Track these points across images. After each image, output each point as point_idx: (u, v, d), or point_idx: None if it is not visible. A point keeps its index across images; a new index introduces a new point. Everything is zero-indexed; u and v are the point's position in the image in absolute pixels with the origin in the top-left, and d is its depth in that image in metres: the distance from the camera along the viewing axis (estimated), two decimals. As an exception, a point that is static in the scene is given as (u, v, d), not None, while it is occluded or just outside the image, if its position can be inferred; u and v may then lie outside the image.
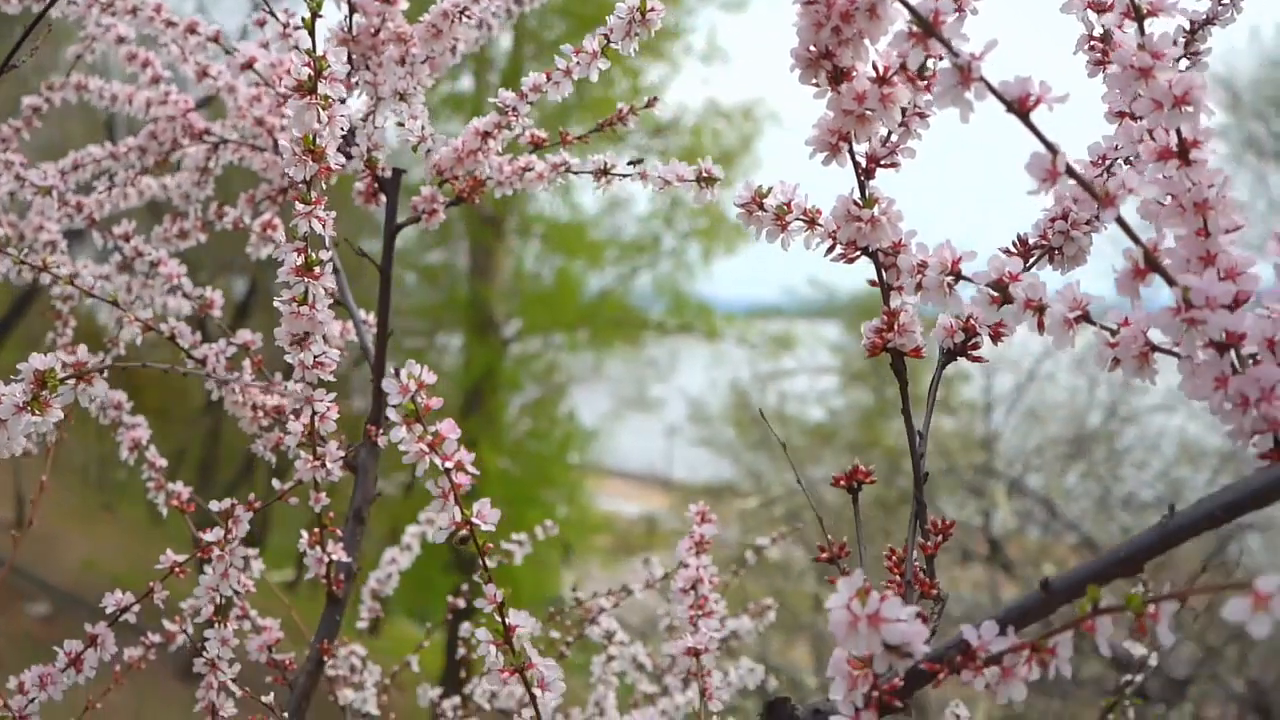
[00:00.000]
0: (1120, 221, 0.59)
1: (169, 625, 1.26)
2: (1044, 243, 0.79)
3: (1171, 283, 0.59)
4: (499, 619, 0.74)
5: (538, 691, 0.74)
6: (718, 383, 10.35)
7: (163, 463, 1.20)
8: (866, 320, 0.80)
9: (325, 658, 1.11)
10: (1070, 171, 0.58)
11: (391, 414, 0.71)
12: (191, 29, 1.17)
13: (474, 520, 0.72)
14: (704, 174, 0.96)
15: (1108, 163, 0.81)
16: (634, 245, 12.18)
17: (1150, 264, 0.59)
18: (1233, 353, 0.60)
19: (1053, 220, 0.79)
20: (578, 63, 1.01)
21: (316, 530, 1.08)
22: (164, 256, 1.25)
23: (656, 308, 12.14)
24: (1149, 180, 0.61)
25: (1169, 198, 0.63)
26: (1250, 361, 0.60)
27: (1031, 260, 0.80)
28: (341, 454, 1.03)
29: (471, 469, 0.72)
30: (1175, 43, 0.83)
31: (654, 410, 12.70)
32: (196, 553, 1.07)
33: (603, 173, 1.06)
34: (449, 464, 0.71)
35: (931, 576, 0.71)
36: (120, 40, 1.29)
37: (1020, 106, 0.58)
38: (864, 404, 11.00)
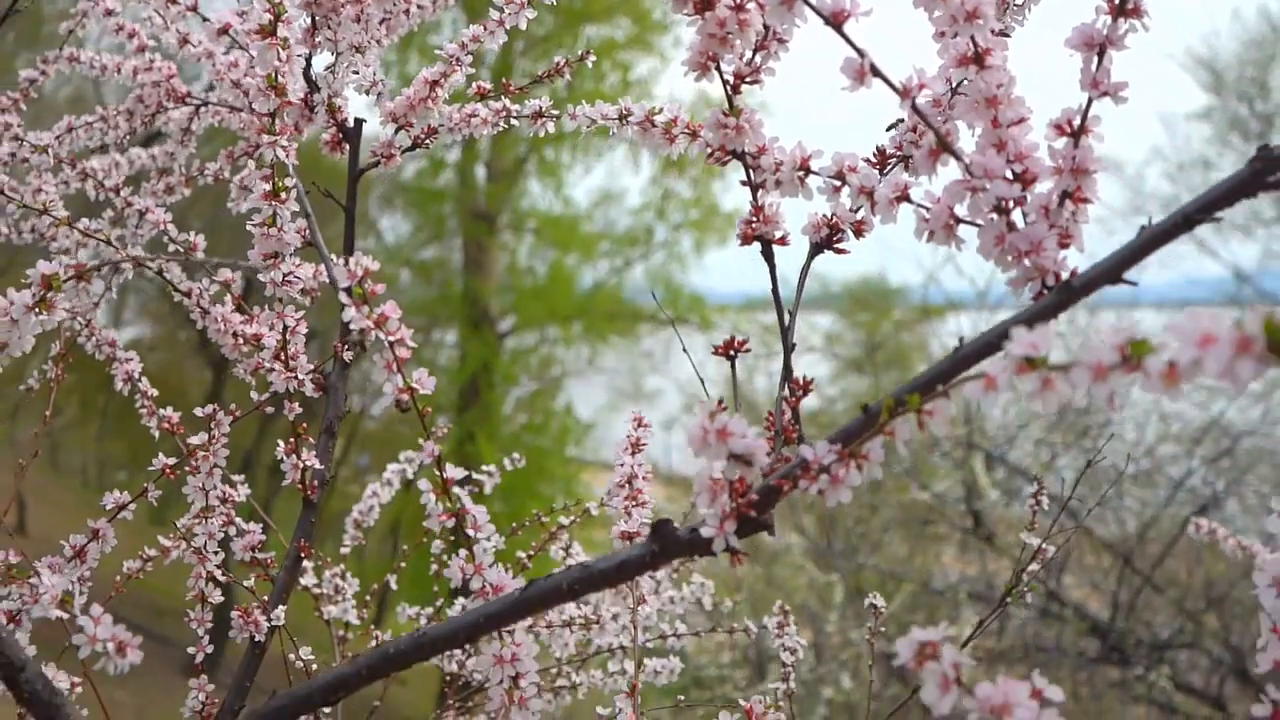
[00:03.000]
0: (916, 111, 0.73)
1: (165, 541, 1.40)
2: (898, 152, 0.93)
3: (958, 158, 0.73)
4: (437, 472, 0.88)
5: (472, 532, 0.88)
6: (704, 365, 10.42)
7: (154, 392, 1.33)
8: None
9: (302, 554, 1.25)
10: (875, 71, 0.72)
11: (342, 296, 0.84)
12: (171, -1, 1.30)
13: (414, 385, 0.86)
14: (624, 113, 1.09)
15: (954, 83, 0.94)
16: (627, 238, 12.32)
17: (942, 145, 0.73)
18: (1018, 217, 0.74)
19: (907, 132, 0.93)
20: (509, 13, 1.15)
21: (292, 439, 1.22)
22: (150, 205, 1.39)
23: (650, 300, 12.26)
24: (940, 80, 0.74)
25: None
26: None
27: (889, 167, 0.93)
28: (311, 367, 1.16)
29: (411, 343, 0.86)
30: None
31: (650, 402, 12.82)
32: (185, 461, 1.21)
33: (538, 115, 1.21)
34: (393, 338, 0.85)
35: (796, 423, 0.85)
36: (109, 13, 1.43)
37: (835, 19, 0.72)
38: (857, 390, 11.15)
